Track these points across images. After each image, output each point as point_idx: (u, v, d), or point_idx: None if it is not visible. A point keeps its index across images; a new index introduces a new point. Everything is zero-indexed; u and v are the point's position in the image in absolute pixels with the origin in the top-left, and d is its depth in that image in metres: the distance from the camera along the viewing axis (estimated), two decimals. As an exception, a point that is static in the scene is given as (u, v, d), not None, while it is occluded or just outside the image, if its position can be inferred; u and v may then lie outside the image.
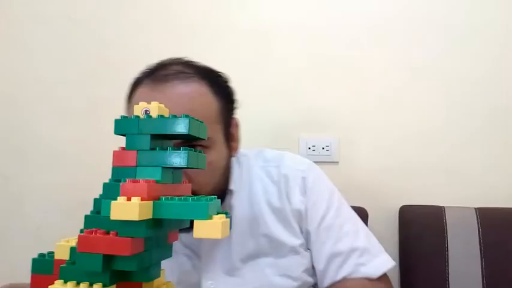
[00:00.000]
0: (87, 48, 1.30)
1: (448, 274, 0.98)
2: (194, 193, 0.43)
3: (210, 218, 0.35)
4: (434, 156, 1.14)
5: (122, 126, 0.40)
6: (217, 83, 0.72)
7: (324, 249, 0.74)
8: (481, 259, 0.98)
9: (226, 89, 0.74)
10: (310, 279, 0.76)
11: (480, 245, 0.99)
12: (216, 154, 0.69)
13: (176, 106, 0.62)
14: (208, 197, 0.38)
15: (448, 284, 0.98)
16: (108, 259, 0.35)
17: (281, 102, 1.20)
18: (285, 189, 0.77)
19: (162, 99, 0.63)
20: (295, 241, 0.75)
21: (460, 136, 1.13)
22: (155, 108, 0.40)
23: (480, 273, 0.97)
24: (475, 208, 1.04)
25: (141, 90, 0.68)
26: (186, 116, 0.39)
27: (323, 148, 1.17)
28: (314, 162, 1.18)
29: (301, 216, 0.76)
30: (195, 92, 0.67)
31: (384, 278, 0.74)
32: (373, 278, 0.72)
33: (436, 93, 1.15)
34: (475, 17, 1.14)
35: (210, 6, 1.25)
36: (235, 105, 0.77)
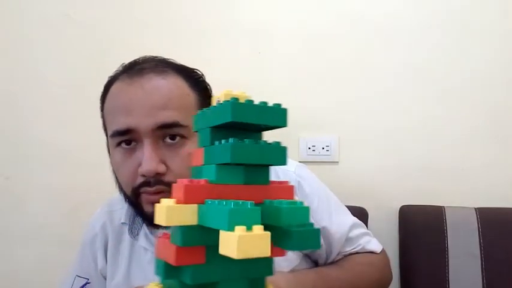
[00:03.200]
0: (87, 48, 1.30)
1: (448, 274, 0.98)
2: (169, 184, 0.37)
3: (232, 229, 0.26)
4: (434, 156, 1.14)
5: (196, 121, 0.35)
6: (192, 77, 0.71)
7: (334, 244, 0.78)
8: (481, 259, 0.97)
9: (202, 84, 0.73)
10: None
11: (480, 245, 0.98)
12: (195, 146, 0.68)
13: (154, 98, 0.63)
14: (250, 202, 0.28)
15: (448, 284, 0.98)
16: (173, 267, 0.31)
17: (281, 102, 1.20)
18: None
19: (139, 92, 0.63)
20: None
21: (460, 136, 1.13)
22: (222, 96, 0.32)
23: (480, 273, 0.97)
24: (475, 208, 1.04)
25: (117, 85, 0.67)
26: (234, 99, 0.31)
27: (323, 148, 1.17)
28: (314, 162, 1.20)
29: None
30: (172, 83, 0.67)
31: (383, 252, 0.84)
32: (377, 253, 0.82)
33: (436, 93, 1.15)
34: (475, 16, 1.14)
35: (210, 6, 1.25)
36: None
